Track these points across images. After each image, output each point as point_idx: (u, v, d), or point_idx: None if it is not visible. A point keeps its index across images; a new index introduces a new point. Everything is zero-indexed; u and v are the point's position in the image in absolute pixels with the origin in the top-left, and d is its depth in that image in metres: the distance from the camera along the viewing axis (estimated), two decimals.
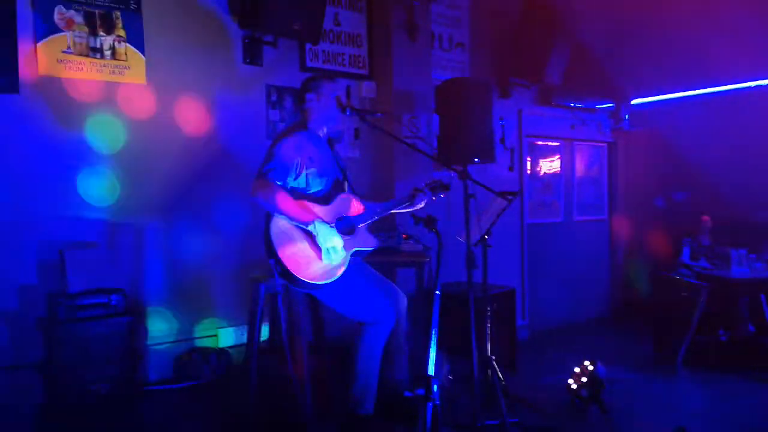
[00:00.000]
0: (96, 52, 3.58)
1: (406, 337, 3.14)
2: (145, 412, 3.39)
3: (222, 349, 3.97)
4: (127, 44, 3.68)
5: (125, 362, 3.38)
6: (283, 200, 2.75)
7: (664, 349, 4.94)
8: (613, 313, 6.95)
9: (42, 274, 3.43)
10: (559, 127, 6.42)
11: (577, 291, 6.54)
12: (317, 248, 2.80)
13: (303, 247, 2.79)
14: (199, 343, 3.98)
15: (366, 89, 4.76)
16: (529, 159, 6.15)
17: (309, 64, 4.45)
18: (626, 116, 6.85)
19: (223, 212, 4.04)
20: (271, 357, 3.42)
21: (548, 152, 6.44)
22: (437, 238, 2.75)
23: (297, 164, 2.86)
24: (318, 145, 3.02)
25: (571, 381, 3.68)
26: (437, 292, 2.70)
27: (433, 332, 2.64)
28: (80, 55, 3.53)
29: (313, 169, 2.93)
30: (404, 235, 4.02)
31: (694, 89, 6.35)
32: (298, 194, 2.87)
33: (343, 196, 3.04)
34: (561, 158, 6.55)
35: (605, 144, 7.03)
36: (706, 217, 5.67)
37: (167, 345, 3.86)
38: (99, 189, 3.62)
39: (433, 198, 3.29)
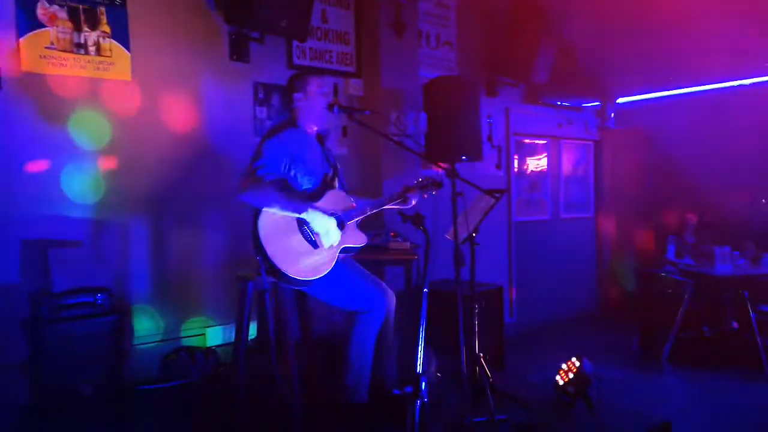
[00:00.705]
0: (80, 48, 3.54)
1: (394, 335, 3.14)
2: (131, 412, 3.36)
3: (209, 348, 3.94)
4: (112, 40, 3.64)
5: (111, 362, 3.34)
6: (273, 192, 2.75)
7: (650, 346, 4.99)
8: (600, 310, 7.00)
9: (25, 273, 3.38)
10: (546, 126, 6.45)
11: (564, 288, 6.58)
12: (306, 243, 2.79)
13: (291, 243, 2.78)
14: (186, 342, 3.95)
15: (353, 87, 4.75)
16: (516, 157, 6.18)
17: (296, 61, 4.43)
18: (612, 115, 6.90)
19: (210, 210, 4.02)
20: (259, 355, 3.40)
21: (535, 150, 6.47)
22: (425, 236, 2.75)
23: (286, 162, 2.86)
24: (307, 142, 3.01)
25: (558, 378, 3.70)
26: (425, 289, 2.71)
27: (422, 330, 2.65)
28: (64, 51, 3.48)
29: (302, 167, 2.92)
30: (392, 233, 4.02)
31: (679, 88, 6.41)
32: (288, 191, 2.86)
33: (332, 192, 3.03)
34: (548, 156, 6.59)
35: (592, 142, 7.08)
36: (691, 215, 5.73)
37: (154, 344, 3.82)
38: (83, 187, 3.58)
39: (425, 195, 3.29)
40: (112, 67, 3.65)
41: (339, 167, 3.21)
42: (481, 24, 5.65)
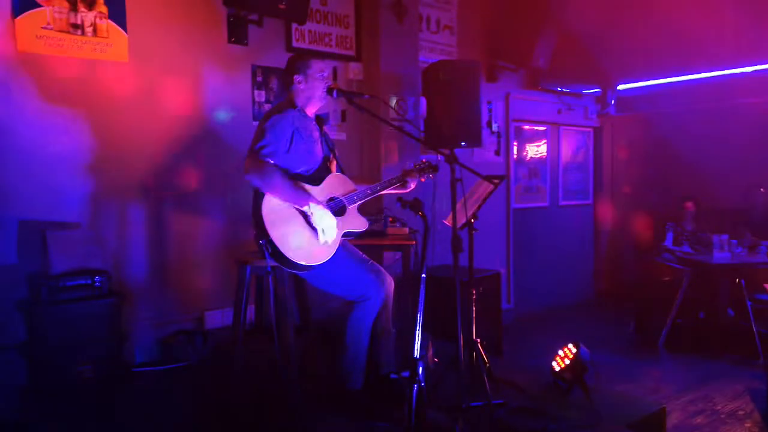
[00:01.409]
0: (77, 28, 3.50)
1: (392, 320, 3.15)
2: (129, 394, 3.38)
3: (208, 331, 3.95)
4: (109, 21, 3.60)
5: (109, 344, 3.35)
6: (278, 179, 2.74)
7: (646, 333, 5.02)
8: (597, 296, 7.03)
9: (23, 255, 3.37)
10: (546, 112, 6.43)
11: (562, 275, 6.60)
12: (310, 228, 2.79)
13: (295, 227, 2.78)
14: (185, 325, 3.95)
15: (353, 71, 4.72)
16: (515, 143, 6.16)
17: (295, 44, 4.39)
18: (612, 101, 6.87)
19: (209, 192, 4.01)
20: (257, 339, 3.41)
21: (535, 137, 6.45)
22: (424, 222, 2.75)
23: (288, 141, 2.84)
24: (307, 124, 3.00)
25: (554, 363, 3.71)
26: (423, 275, 2.71)
27: (419, 315, 2.65)
28: (60, 31, 3.44)
29: (302, 148, 2.91)
30: (390, 219, 4.01)
31: (680, 75, 6.38)
32: (287, 172, 2.85)
33: (333, 176, 3.02)
34: (547, 143, 6.57)
35: (591, 129, 7.06)
36: (689, 203, 5.73)
37: (152, 327, 3.83)
38: (81, 169, 3.56)
39: (422, 179, 3.29)
40: (109, 49, 3.62)
41: (336, 151, 3.19)
42: (482, 8, 5.61)
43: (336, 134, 4.60)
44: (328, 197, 2.93)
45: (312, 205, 2.77)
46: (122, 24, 3.65)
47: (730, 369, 4.32)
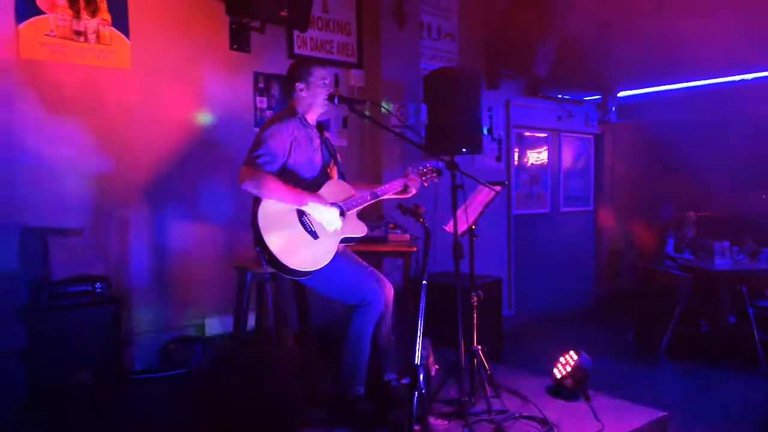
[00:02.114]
0: (80, 35, 3.51)
1: (392, 326, 3.15)
2: (129, 400, 3.37)
3: (208, 338, 3.95)
4: (112, 28, 3.62)
5: (109, 351, 3.34)
6: (274, 185, 2.74)
7: (648, 340, 5.00)
8: (598, 303, 7.01)
9: (25, 261, 3.38)
10: (547, 119, 6.44)
11: (563, 281, 6.59)
12: (307, 234, 2.79)
13: (292, 233, 2.78)
14: (185, 332, 3.95)
15: (354, 78, 4.73)
16: (516, 150, 6.17)
17: (297, 51, 4.41)
18: (613, 108, 6.89)
19: (210, 200, 4.01)
20: (257, 345, 3.41)
21: (536, 143, 6.46)
22: (424, 229, 2.75)
23: (286, 150, 2.85)
24: (307, 131, 3.00)
25: (556, 370, 3.70)
26: (424, 281, 2.70)
27: (420, 322, 2.64)
28: (63, 38, 3.46)
29: (302, 156, 2.91)
30: (391, 225, 4.01)
31: (681, 82, 6.40)
32: (287, 180, 2.86)
33: (332, 182, 3.02)
34: (548, 150, 6.58)
35: (592, 136, 7.07)
36: (690, 210, 5.75)
37: (152, 334, 3.83)
38: (83, 175, 3.56)
39: (425, 183, 3.28)
40: (112, 56, 3.63)
41: (338, 157, 3.20)
42: (483, 16, 5.63)
43: (337, 140, 4.61)
44: (328, 203, 2.93)
45: (311, 202, 2.78)
46: (125, 31, 3.67)
47: (732, 376, 4.30)
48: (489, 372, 3.30)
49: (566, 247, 6.70)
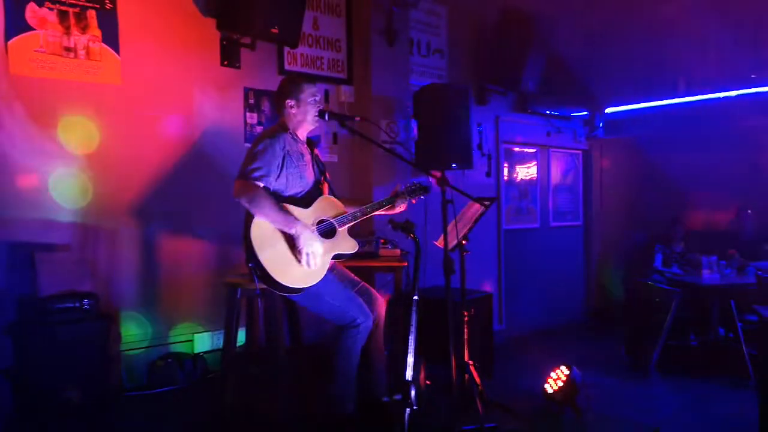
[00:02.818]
0: (70, 51, 3.51)
1: (384, 342, 3.14)
2: (118, 418, 3.32)
3: (197, 355, 3.91)
4: (102, 44, 3.62)
5: (98, 368, 3.30)
6: (266, 202, 2.75)
7: (638, 354, 5.01)
8: (588, 318, 7.03)
9: (11, 277, 3.33)
10: (536, 134, 6.50)
11: (553, 296, 6.61)
12: (298, 252, 2.79)
13: (284, 250, 2.78)
14: (174, 348, 3.91)
15: (344, 94, 4.76)
16: (506, 165, 6.21)
17: (287, 67, 4.43)
18: (600, 124, 6.96)
19: (199, 215, 4.00)
20: (247, 362, 3.38)
21: (525, 159, 6.50)
22: (415, 244, 2.76)
23: (278, 165, 2.86)
24: (298, 147, 3.02)
25: (547, 385, 3.70)
26: (415, 297, 2.71)
27: (411, 337, 2.64)
28: (53, 54, 3.46)
29: (293, 171, 2.92)
30: (382, 240, 4.01)
31: (667, 99, 6.48)
32: (278, 196, 2.86)
33: (323, 198, 3.03)
34: (537, 165, 6.63)
35: (580, 151, 7.14)
36: (678, 224, 5.80)
37: (141, 350, 3.79)
38: (72, 191, 3.54)
39: (413, 201, 3.31)
40: (102, 72, 3.63)
41: (328, 174, 3.21)
42: (471, 32, 5.69)
43: (328, 156, 4.62)
44: (318, 219, 2.93)
45: (299, 228, 2.78)
46: (115, 47, 3.67)
47: (722, 390, 4.31)
48: (480, 387, 3.29)
49: (556, 261, 6.73)
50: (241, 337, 3.46)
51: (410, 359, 2.62)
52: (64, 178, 3.52)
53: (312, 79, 4.05)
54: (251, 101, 4.27)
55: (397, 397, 2.61)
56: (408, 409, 2.54)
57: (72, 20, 3.52)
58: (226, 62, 4.13)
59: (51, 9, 3.44)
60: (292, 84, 3.09)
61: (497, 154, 5.99)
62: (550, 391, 3.67)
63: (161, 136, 3.88)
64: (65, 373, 3.17)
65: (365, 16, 4.73)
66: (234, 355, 3.10)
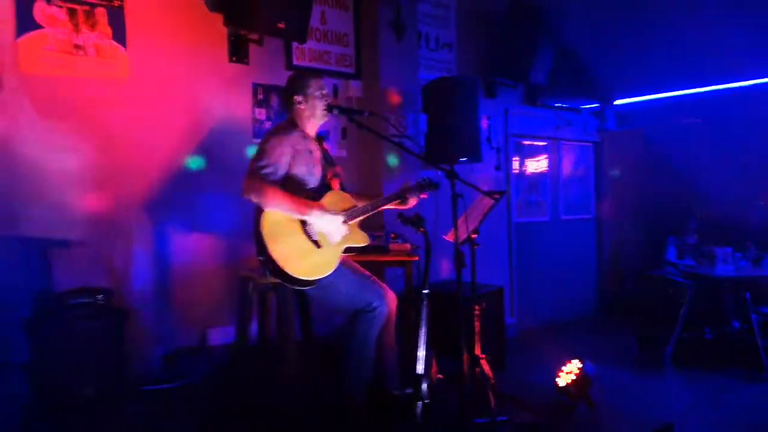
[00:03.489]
0: (79, 49, 3.53)
1: (395, 336, 3.14)
2: (133, 412, 3.35)
3: (211, 348, 3.93)
4: (111, 41, 3.64)
5: (112, 362, 3.32)
6: (276, 194, 2.75)
7: (651, 347, 4.97)
8: (601, 310, 6.99)
9: (27, 273, 3.36)
10: (545, 127, 6.45)
11: (565, 289, 6.57)
12: (310, 242, 2.79)
13: (295, 243, 2.78)
14: (188, 342, 3.93)
15: (353, 88, 4.75)
16: (515, 159, 6.18)
17: (295, 62, 4.43)
18: (611, 116, 6.91)
19: (211, 210, 4.01)
20: (260, 355, 3.39)
21: (535, 152, 6.46)
22: (425, 238, 2.75)
23: (287, 161, 2.86)
24: (307, 143, 3.01)
25: (559, 379, 3.68)
26: (426, 291, 2.70)
27: (422, 331, 2.63)
28: (62, 52, 3.47)
29: (302, 167, 2.93)
30: (392, 235, 4.01)
31: (679, 90, 6.42)
32: (289, 191, 2.86)
33: (333, 192, 3.03)
34: (548, 158, 6.59)
35: (591, 144, 7.08)
36: (691, 216, 5.75)
37: (154, 345, 3.81)
38: (84, 187, 3.56)
39: (423, 196, 3.30)
40: (111, 68, 3.65)
41: (338, 168, 3.21)
42: (480, 25, 5.66)
43: (336, 151, 4.61)
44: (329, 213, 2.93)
45: (315, 212, 2.78)
46: (123, 44, 3.69)
47: (737, 383, 4.28)
48: (492, 381, 3.28)
49: (567, 254, 6.69)
50: (254, 331, 3.48)
51: (421, 353, 2.61)
52: (76, 175, 3.54)
53: (320, 73, 4.06)
54: (260, 97, 4.27)
55: (409, 390, 2.61)
56: (419, 403, 2.54)
57: (81, 18, 3.53)
58: (234, 58, 4.13)
59: (60, 7, 3.45)
60: (299, 79, 3.09)
61: (506, 147, 5.96)
62: (562, 384, 3.65)
63: (171, 132, 3.89)
64: (80, 368, 3.19)
65: (373, 10, 4.71)
66: (246, 349, 3.11)
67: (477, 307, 3.39)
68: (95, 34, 3.58)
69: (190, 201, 3.95)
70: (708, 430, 3.55)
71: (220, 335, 4.02)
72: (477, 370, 3.28)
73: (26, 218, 3.37)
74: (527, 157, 6.38)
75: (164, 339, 3.85)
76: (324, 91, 3.07)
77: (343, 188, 3.16)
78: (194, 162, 3.97)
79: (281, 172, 2.85)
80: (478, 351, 3.35)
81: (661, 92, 6.61)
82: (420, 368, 2.60)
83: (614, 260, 7.04)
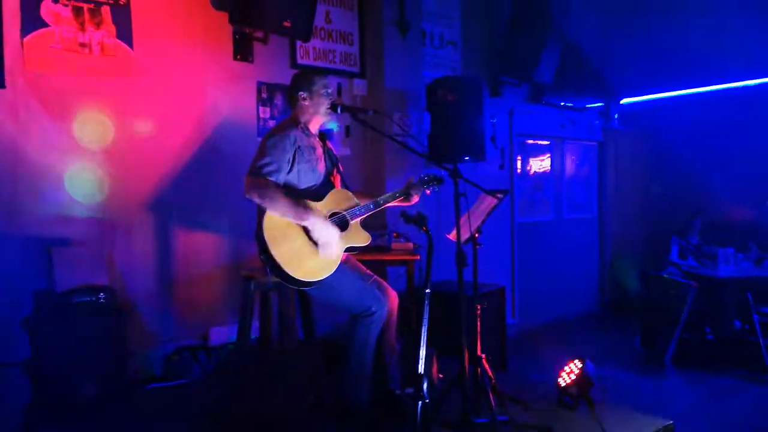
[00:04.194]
0: (84, 47, 3.54)
1: (396, 335, 3.15)
2: (134, 411, 3.36)
3: (212, 348, 3.94)
4: (116, 39, 3.64)
5: (114, 361, 3.33)
6: (278, 196, 2.75)
7: (653, 347, 4.98)
8: (603, 310, 6.99)
9: (29, 272, 3.38)
10: (550, 126, 6.45)
11: (567, 289, 6.57)
12: (312, 244, 2.80)
13: (297, 244, 2.78)
14: (189, 341, 3.95)
15: (357, 87, 4.75)
16: (519, 158, 6.17)
17: (300, 61, 4.43)
18: (616, 115, 6.89)
19: (213, 209, 4.02)
20: (262, 355, 3.40)
21: (539, 151, 6.46)
22: (428, 237, 2.75)
23: (289, 160, 2.87)
24: (310, 140, 3.02)
25: (560, 379, 3.69)
26: (428, 290, 2.71)
27: (424, 330, 2.64)
28: (68, 50, 3.48)
29: (305, 165, 2.93)
30: (395, 234, 4.01)
31: (684, 89, 6.40)
32: (290, 190, 2.87)
33: (336, 191, 3.04)
34: (551, 157, 6.58)
35: (595, 143, 7.07)
36: (694, 216, 5.74)
37: (156, 344, 3.83)
38: (87, 186, 3.58)
39: (427, 192, 3.31)
40: (117, 67, 3.66)
41: (341, 166, 3.21)
42: (485, 23, 5.65)
43: (340, 149, 4.62)
44: (331, 212, 2.94)
45: (312, 219, 2.78)
46: (129, 42, 3.69)
47: (738, 384, 4.28)
48: (493, 381, 3.29)
49: (570, 254, 6.69)
50: (255, 330, 3.49)
51: (422, 352, 2.62)
52: (80, 173, 3.55)
53: (325, 72, 4.07)
54: (264, 95, 4.28)
55: (410, 390, 2.62)
56: (420, 402, 2.54)
57: (86, 16, 3.54)
58: (239, 56, 4.14)
59: (66, 5, 3.46)
60: (305, 77, 3.10)
61: (511, 146, 5.96)
62: (563, 384, 3.66)
63: (175, 131, 3.90)
64: (82, 367, 3.19)
65: (377, 8, 4.71)
66: (248, 349, 3.12)
67: (479, 307, 3.40)
68: (101, 33, 3.59)
69: (194, 199, 3.96)
70: (709, 430, 3.56)
71: (221, 335, 4.04)
72: (478, 369, 3.29)
73: (28, 217, 3.38)
74: (531, 156, 6.38)
75: (166, 338, 3.87)
76: (329, 90, 3.08)
77: (345, 186, 3.16)
78: (198, 160, 3.98)
79: (284, 170, 2.85)
80: (479, 351, 3.36)
81: (667, 91, 6.59)
82: (421, 368, 2.60)
83: (617, 260, 7.04)
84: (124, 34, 3.67)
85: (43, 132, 3.44)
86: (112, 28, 3.63)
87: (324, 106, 3.04)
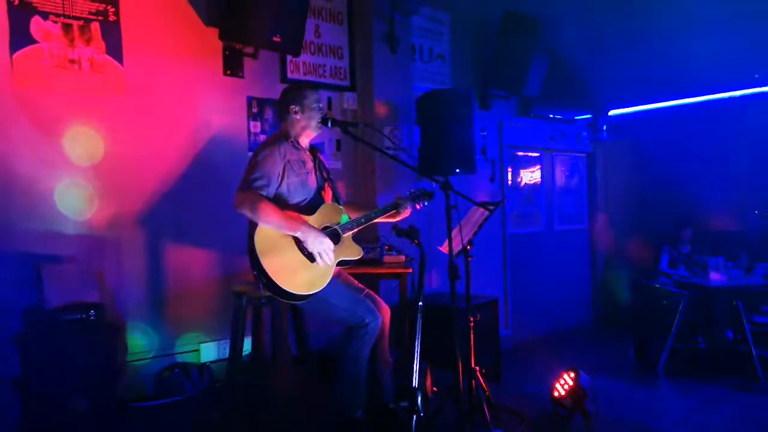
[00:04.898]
0: (74, 63, 3.54)
1: (389, 349, 3.14)
2: (125, 429, 3.33)
3: (204, 364, 3.91)
4: (106, 56, 3.65)
5: (104, 379, 3.30)
6: (269, 210, 2.75)
7: (646, 357, 4.99)
8: (595, 321, 7.00)
9: (18, 288, 3.34)
10: (539, 138, 6.49)
11: (560, 300, 6.58)
12: (304, 257, 2.79)
13: (289, 258, 2.78)
14: (181, 358, 3.92)
15: (347, 101, 4.77)
16: (510, 170, 6.20)
17: (290, 75, 4.45)
18: (604, 127, 6.95)
19: (204, 224, 4.01)
20: (254, 371, 3.38)
21: (529, 163, 6.50)
22: (420, 250, 2.76)
23: (280, 174, 2.87)
24: (300, 154, 3.03)
25: (554, 390, 3.69)
26: (420, 303, 2.71)
27: (417, 344, 2.64)
28: (58, 66, 3.48)
29: (294, 179, 2.93)
30: (387, 247, 4.01)
31: (671, 100, 6.47)
32: (282, 204, 2.87)
33: (327, 205, 3.04)
34: (541, 169, 6.62)
35: (584, 154, 7.13)
36: (684, 226, 5.78)
37: (148, 360, 3.79)
38: (77, 202, 3.56)
39: (417, 206, 3.31)
40: (106, 83, 3.66)
41: (333, 180, 3.22)
42: (474, 37, 5.70)
43: (331, 163, 4.63)
44: (323, 226, 2.94)
45: (304, 229, 2.78)
46: (119, 59, 3.70)
47: (730, 393, 4.29)
48: (488, 393, 3.28)
49: (562, 265, 6.71)
50: (248, 346, 3.47)
51: (416, 366, 2.61)
52: (69, 190, 3.53)
53: (315, 86, 4.09)
54: (254, 110, 4.29)
55: (404, 403, 2.61)
56: (414, 416, 2.53)
57: (76, 33, 3.54)
58: (229, 72, 4.15)
59: (55, 22, 3.46)
60: (296, 90, 3.11)
61: (501, 158, 5.99)
62: (557, 395, 3.66)
63: (165, 147, 3.89)
64: (72, 384, 3.17)
65: (367, 23, 4.74)
66: (240, 365, 3.10)
67: (471, 319, 3.40)
68: (90, 49, 3.59)
69: (185, 215, 3.94)
70: None
71: (213, 350, 4.01)
72: (472, 382, 3.28)
73: (18, 234, 3.36)
74: (521, 168, 6.41)
75: (157, 355, 3.83)
76: (321, 104, 3.09)
77: (337, 200, 3.17)
78: (188, 175, 3.97)
79: (273, 184, 2.86)
80: (473, 363, 3.35)
81: (654, 103, 6.67)
82: (415, 381, 2.60)
83: (608, 270, 7.07)
84: (114, 50, 3.68)
85: (32, 148, 3.42)
86: (102, 45, 3.63)
87: (315, 119, 3.06)
